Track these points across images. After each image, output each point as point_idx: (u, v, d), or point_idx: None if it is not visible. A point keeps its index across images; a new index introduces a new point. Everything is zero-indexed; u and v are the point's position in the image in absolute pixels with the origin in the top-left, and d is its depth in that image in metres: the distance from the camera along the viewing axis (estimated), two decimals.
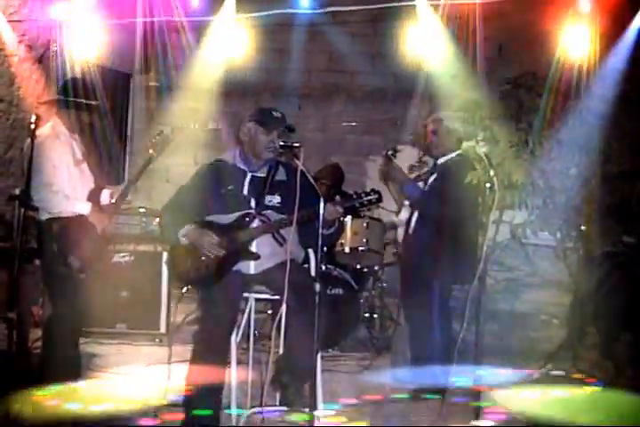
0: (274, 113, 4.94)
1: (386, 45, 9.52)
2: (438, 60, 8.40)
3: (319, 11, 7.91)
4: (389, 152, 5.96)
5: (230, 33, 8.69)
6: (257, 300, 5.07)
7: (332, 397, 5.23)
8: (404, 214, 6.04)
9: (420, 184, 6.03)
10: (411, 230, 5.89)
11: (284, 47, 9.86)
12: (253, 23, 8.66)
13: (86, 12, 7.80)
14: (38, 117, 4.55)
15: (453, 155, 5.83)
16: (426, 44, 8.29)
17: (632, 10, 7.38)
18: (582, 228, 7.08)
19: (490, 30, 8.21)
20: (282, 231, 4.87)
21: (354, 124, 9.88)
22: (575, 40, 7.64)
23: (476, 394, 4.76)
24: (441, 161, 5.92)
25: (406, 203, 6.06)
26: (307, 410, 4.35)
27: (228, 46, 8.92)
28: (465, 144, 5.66)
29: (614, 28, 7.50)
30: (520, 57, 8.41)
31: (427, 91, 8.95)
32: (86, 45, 8.00)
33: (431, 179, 5.93)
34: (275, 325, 4.76)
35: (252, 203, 4.88)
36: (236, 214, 4.85)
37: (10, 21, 7.23)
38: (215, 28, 8.49)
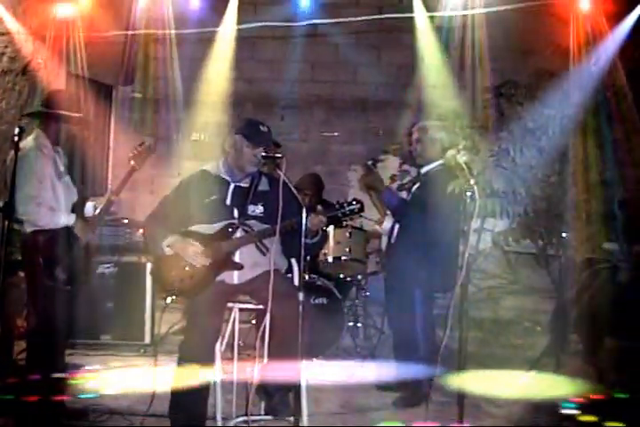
0: (261, 127, 4.97)
1: (368, 56, 9.59)
2: (420, 70, 8.47)
3: (302, 23, 7.98)
4: (370, 162, 6.00)
5: (213, 44, 8.75)
6: (241, 310, 5.08)
7: (316, 405, 5.25)
8: (387, 224, 6.07)
9: (404, 193, 6.06)
10: (393, 239, 5.92)
11: (266, 58, 9.92)
12: (236, 34, 8.71)
13: (69, 25, 7.82)
14: (22, 130, 4.55)
15: (436, 164, 5.85)
16: (407, 55, 8.36)
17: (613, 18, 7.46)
18: (564, 235, 7.13)
19: (470, 39, 8.28)
20: (265, 241, 4.89)
21: (336, 134, 9.92)
22: (555, 48, 7.70)
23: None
24: (424, 170, 5.94)
25: (389, 212, 6.08)
26: (291, 419, 4.38)
27: (212, 57, 8.97)
28: (447, 153, 5.69)
29: (594, 36, 7.57)
30: (501, 66, 8.46)
31: (408, 101, 9.01)
32: (69, 57, 8.01)
33: (414, 188, 5.95)
34: (259, 334, 4.78)
35: (236, 213, 4.90)
36: (220, 224, 4.87)
37: None
38: (198, 39, 8.53)
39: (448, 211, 5.41)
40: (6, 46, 7.44)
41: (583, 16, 7.47)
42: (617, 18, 7.45)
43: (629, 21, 7.47)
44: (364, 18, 7.88)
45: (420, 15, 8.00)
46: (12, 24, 7.35)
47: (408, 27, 8.21)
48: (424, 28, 8.14)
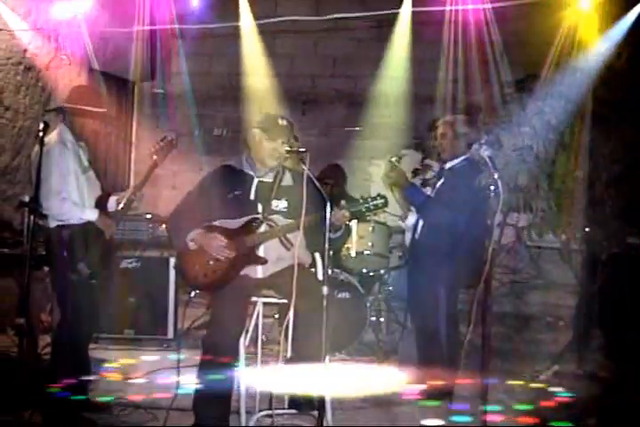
0: (279, 121, 4.96)
1: (389, 50, 9.56)
2: (441, 65, 8.44)
3: (323, 17, 7.96)
4: (393, 158, 5.94)
5: (234, 39, 8.75)
6: (264, 304, 5.08)
7: (339, 400, 5.25)
8: (411, 219, 6.03)
9: (427, 189, 6.03)
10: (417, 235, 5.88)
11: (288, 52, 9.91)
12: (258, 29, 8.71)
13: (91, 20, 7.85)
14: (46, 125, 4.57)
15: (461, 159, 5.80)
16: (429, 49, 8.33)
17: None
18: (587, 230, 7.10)
19: (493, 34, 8.24)
20: (289, 236, 4.89)
21: (357, 128, 9.90)
22: (577, 42, 7.64)
23: None
24: (448, 165, 5.90)
25: (413, 208, 6.05)
26: (315, 413, 4.38)
27: (233, 52, 8.98)
28: (472, 148, 5.65)
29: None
30: (523, 60, 8.42)
31: (430, 95, 8.98)
32: (91, 53, 8.04)
33: (438, 183, 5.91)
34: (282, 328, 4.78)
35: (259, 208, 4.90)
36: (244, 219, 4.87)
37: (16, 30, 7.26)
38: (220, 34, 8.54)
39: (473, 206, 5.38)
40: (29, 43, 7.48)
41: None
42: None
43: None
44: (385, 12, 7.85)
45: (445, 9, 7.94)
46: (35, 21, 7.38)
47: (429, 20, 8.18)
48: (446, 21, 8.09)
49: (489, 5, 7.40)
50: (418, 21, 8.37)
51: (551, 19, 7.65)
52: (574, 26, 7.59)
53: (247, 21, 8.48)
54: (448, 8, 7.38)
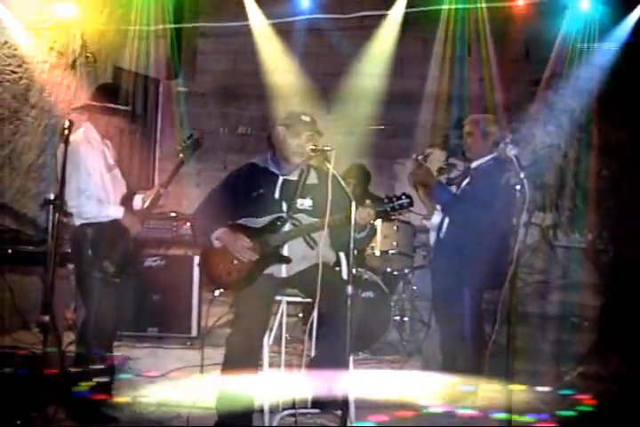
0: (303, 117, 4.94)
1: (413, 48, 9.53)
2: (465, 63, 8.41)
3: (348, 15, 7.96)
4: (420, 157, 5.88)
5: (259, 37, 8.75)
6: (288, 303, 5.07)
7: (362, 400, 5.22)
8: (436, 218, 5.98)
9: (453, 188, 5.99)
10: (442, 235, 5.83)
11: (312, 51, 9.89)
12: (282, 28, 8.71)
13: (115, 19, 7.88)
14: (71, 123, 4.57)
15: (488, 158, 5.74)
16: (453, 48, 8.30)
17: None
18: (613, 229, 7.06)
19: (517, 32, 8.22)
20: (313, 235, 4.88)
21: (382, 127, 9.87)
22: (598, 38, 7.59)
23: None
24: (474, 165, 5.83)
25: (438, 207, 6.00)
26: (339, 412, 4.36)
27: (257, 51, 8.98)
28: (498, 147, 5.60)
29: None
30: (548, 58, 8.37)
31: (455, 94, 8.96)
32: (116, 51, 8.07)
33: (464, 182, 5.86)
34: (307, 327, 4.78)
35: (284, 206, 4.88)
36: (268, 218, 4.86)
37: (41, 28, 7.29)
38: (243, 33, 8.54)
39: (499, 206, 5.34)
40: (55, 41, 7.50)
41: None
42: None
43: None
44: (412, 9, 7.82)
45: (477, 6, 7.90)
46: (60, 19, 7.40)
47: (457, 18, 8.14)
48: (477, 19, 8.04)
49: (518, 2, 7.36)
50: (446, 20, 8.30)
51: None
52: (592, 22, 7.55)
53: (271, 19, 8.48)
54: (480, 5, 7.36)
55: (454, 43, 8.55)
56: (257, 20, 8.40)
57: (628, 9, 7.34)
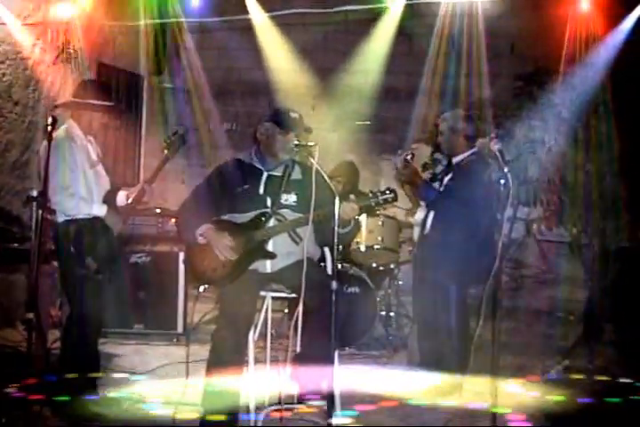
0: (291, 114, 4.95)
1: (398, 44, 9.52)
2: (450, 59, 8.42)
3: (331, 10, 7.93)
4: (407, 156, 5.89)
5: (244, 33, 8.73)
6: (273, 298, 5.07)
7: (348, 395, 5.22)
8: (420, 214, 5.99)
9: (436, 184, 5.99)
10: (426, 230, 5.84)
11: (297, 47, 9.86)
12: (267, 23, 8.69)
13: (99, 15, 7.86)
14: (55, 120, 4.56)
15: (468, 153, 5.75)
16: (436, 43, 8.31)
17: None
18: (598, 223, 7.08)
19: (501, 27, 8.22)
20: (298, 230, 4.87)
21: (367, 123, 9.87)
22: (588, 34, 7.60)
23: None
24: (456, 160, 5.85)
25: (422, 203, 6.02)
26: (324, 407, 4.37)
27: (242, 46, 8.96)
28: (479, 141, 5.62)
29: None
30: (533, 53, 8.39)
31: (438, 89, 8.96)
32: (100, 47, 8.05)
33: (446, 178, 5.87)
34: (292, 323, 4.77)
35: (269, 202, 4.88)
36: (253, 213, 4.85)
37: (24, 25, 7.26)
38: (230, 28, 8.52)
39: (482, 201, 5.35)
40: (38, 38, 7.48)
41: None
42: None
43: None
44: (395, 4, 7.82)
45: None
46: (44, 15, 7.38)
47: (442, 14, 8.14)
48: (462, 14, 8.04)
49: None
50: (432, 14, 8.29)
51: (561, 11, 7.62)
52: (585, 18, 7.56)
53: (257, 15, 8.45)
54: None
55: (440, 38, 8.55)
56: (243, 16, 8.37)
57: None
